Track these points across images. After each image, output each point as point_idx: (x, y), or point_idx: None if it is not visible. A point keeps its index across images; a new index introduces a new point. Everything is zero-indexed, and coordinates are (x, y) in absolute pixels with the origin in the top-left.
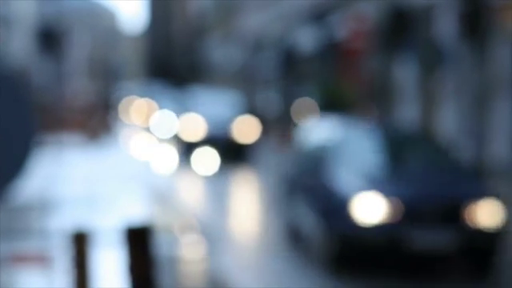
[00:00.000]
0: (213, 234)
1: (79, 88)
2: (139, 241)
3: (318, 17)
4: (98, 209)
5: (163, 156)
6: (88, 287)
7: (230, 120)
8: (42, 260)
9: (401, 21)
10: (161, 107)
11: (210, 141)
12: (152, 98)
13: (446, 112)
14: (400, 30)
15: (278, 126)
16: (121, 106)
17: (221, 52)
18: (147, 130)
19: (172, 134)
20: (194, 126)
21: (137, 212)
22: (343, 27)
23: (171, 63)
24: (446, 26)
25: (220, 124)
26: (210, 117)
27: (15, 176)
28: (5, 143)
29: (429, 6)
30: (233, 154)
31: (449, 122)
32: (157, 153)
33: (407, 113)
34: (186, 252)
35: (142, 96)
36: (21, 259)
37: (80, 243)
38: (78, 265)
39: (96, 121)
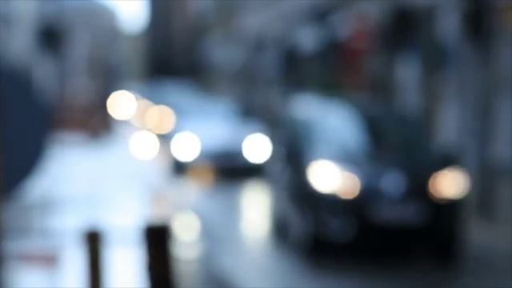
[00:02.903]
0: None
1: (79, 87)
2: (158, 240)
3: (320, 16)
4: (101, 208)
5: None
6: (101, 287)
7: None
8: (49, 259)
9: (403, 20)
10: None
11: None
12: (173, 109)
13: (448, 112)
14: (403, 30)
15: None
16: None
17: (221, 51)
18: (164, 139)
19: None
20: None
21: (141, 211)
22: (345, 27)
23: (171, 62)
24: (449, 25)
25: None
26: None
27: (28, 175)
28: (18, 142)
29: (432, 6)
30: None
31: (452, 122)
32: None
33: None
34: (185, 251)
35: (152, 100)
36: (28, 258)
37: (93, 242)
38: (92, 264)
39: (97, 120)
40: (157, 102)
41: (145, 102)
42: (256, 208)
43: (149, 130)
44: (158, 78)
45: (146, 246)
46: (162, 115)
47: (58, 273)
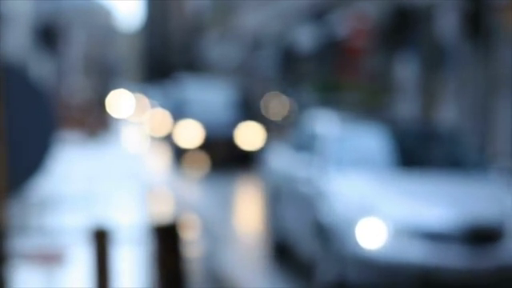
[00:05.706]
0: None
1: (77, 85)
2: (168, 238)
3: (319, 15)
4: (103, 206)
5: None
6: (109, 286)
7: None
8: (54, 258)
9: (402, 19)
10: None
11: None
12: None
13: (447, 111)
14: (402, 29)
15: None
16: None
17: (219, 50)
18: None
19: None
20: None
21: (145, 210)
22: (344, 26)
23: (168, 61)
24: (448, 24)
25: None
26: None
27: (33, 173)
28: (23, 140)
29: (431, 5)
30: None
31: (450, 122)
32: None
33: (408, 112)
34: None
35: (165, 106)
36: (33, 257)
37: (100, 240)
38: (99, 262)
39: (94, 118)
40: (177, 111)
41: (159, 109)
42: None
43: (162, 137)
44: (171, 75)
45: (156, 244)
46: (186, 127)
47: (63, 271)
